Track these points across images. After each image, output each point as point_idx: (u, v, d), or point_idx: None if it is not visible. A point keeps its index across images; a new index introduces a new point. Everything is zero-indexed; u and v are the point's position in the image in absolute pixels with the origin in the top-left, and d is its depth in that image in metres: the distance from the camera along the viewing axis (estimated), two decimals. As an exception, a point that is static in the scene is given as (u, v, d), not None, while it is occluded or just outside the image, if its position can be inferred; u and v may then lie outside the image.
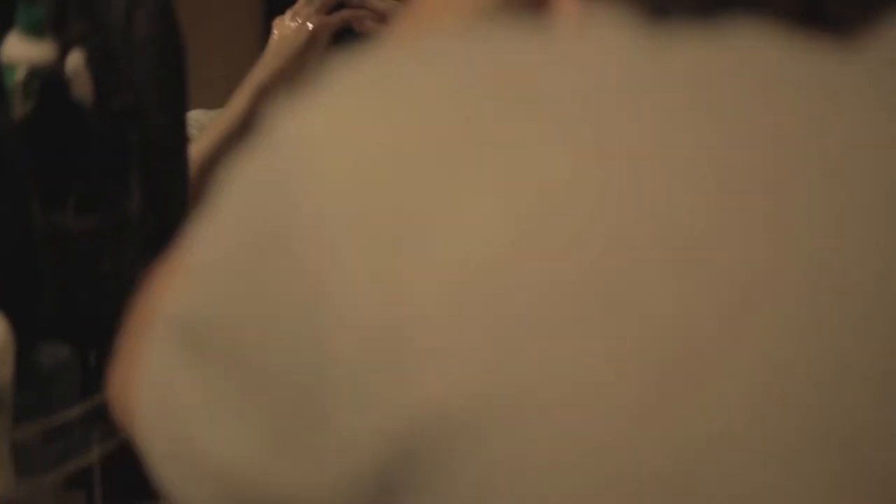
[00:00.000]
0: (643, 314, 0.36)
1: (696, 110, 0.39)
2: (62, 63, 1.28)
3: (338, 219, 0.42)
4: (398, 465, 0.40)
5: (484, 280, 0.39)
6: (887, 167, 0.38)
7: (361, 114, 0.44)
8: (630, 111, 0.39)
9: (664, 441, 0.36)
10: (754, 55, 0.41)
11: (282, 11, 1.87)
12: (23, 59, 1.20)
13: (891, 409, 0.37)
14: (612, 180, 0.38)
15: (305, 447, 0.43)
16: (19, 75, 1.19)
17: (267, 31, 1.85)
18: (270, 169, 0.47)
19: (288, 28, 1.78)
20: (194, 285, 0.51)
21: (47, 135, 1.20)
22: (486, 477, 0.38)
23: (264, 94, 1.78)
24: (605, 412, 0.37)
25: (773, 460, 0.35)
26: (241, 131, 1.79)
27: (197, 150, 1.70)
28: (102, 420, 1.30)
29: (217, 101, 1.92)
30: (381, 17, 1.75)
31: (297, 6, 1.84)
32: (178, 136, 1.36)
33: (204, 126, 1.87)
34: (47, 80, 1.23)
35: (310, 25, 1.79)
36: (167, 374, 0.50)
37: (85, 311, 1.22)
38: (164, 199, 1.25)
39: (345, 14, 1.80)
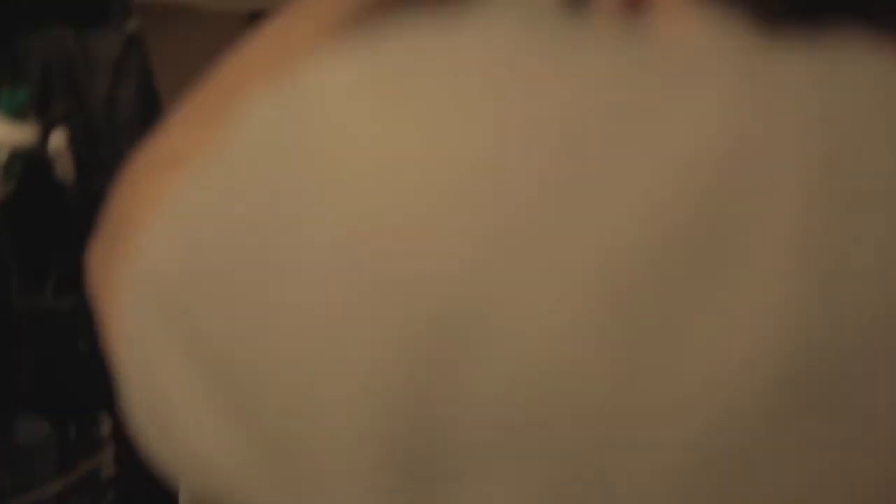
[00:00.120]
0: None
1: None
2: (45, 143, 1.30)
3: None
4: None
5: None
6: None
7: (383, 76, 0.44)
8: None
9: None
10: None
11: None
12: (5, 143, 1.22)
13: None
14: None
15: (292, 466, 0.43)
16: (1, 158, 1.21)
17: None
18: (286, 116, 0.46)
19: None
20: (182, 233, 0.48)
21: (28, 215, 1.22)
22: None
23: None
24: None
25: None
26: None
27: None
28: (81, 495, 1.31)
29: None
30: None
31: None
32: (160, 214, 1.38)
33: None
34: (29, 161, 1.25)
35: None
36: (146, 352, 0.48)
37: (64, 388, 1.24)
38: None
39: None
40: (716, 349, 0.38)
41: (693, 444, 0.38)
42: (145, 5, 1.39)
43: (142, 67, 1.39)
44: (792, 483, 0.37)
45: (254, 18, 1.26)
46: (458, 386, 0.39)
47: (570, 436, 0.38)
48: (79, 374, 1.23)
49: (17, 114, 1.23)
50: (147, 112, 1.40)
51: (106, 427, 1.30)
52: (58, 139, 1.33)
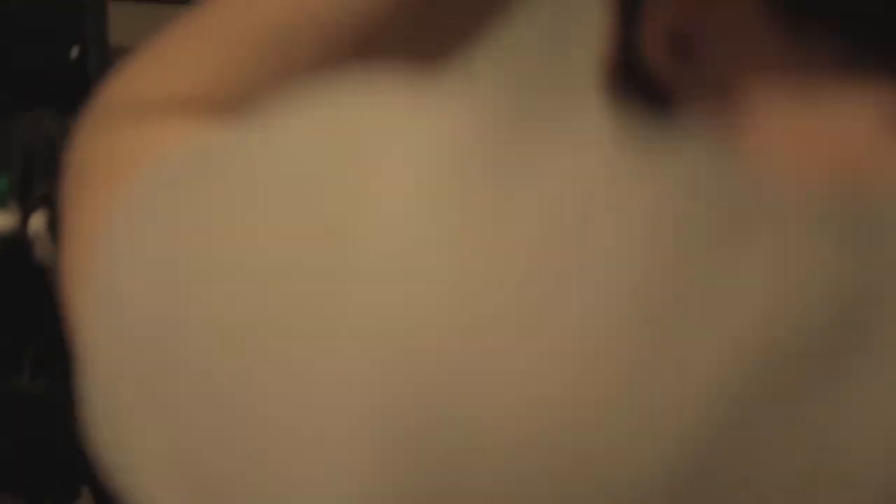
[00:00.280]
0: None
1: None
2: (25, 225, 1.32)
3: None
4: None
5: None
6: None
7: None
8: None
9: None
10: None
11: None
12: (-15, 228, 1.24)
13: None
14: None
15: None
16: (-19, 243, 1.23)
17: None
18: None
19: None
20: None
21: (6, 296, 1.23)
22: None
23: None
24: None
25: None
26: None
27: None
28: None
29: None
30: None
31: None
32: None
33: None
34: (9, 243, 1.27)
35: None
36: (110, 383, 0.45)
37: (41, 468, 1.25)
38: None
39: None
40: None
41: None
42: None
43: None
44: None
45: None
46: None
47: None
48: (56, 454, 1.24)
49: (-2, 200, 1.25)
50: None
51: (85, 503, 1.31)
52: (38, 221, 1.34)
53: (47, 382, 1.20)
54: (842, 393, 0.39)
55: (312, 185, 0.42)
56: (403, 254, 0.40)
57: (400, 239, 0.40)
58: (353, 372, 0.39)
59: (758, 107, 0.45)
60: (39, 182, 1.38)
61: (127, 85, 0.57)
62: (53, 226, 1.35)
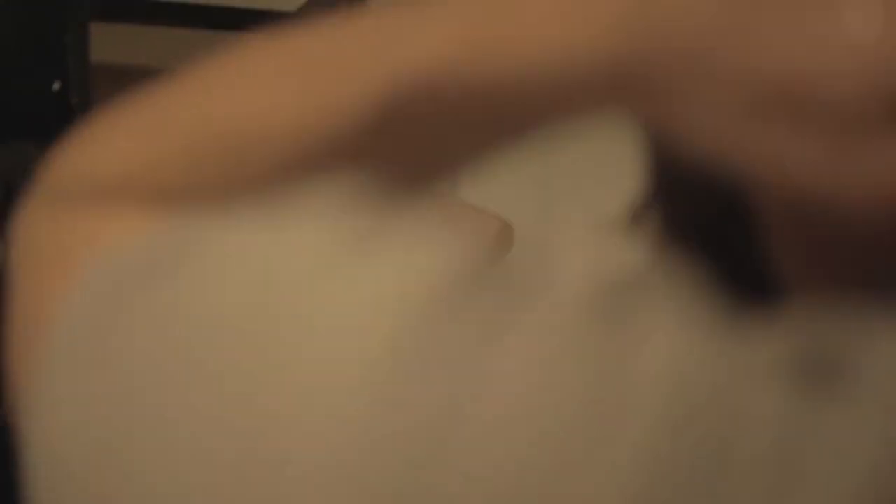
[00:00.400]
0: None
1: None
2: (6, 255, 1.31)
3: None
4: None
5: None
6: None
7: None
8: None
9: None
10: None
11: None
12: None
13: None
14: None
15: None
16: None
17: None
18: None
19: None
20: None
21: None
22: None
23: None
24: None
25: None
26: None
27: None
28: None
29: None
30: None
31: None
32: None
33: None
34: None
35: None
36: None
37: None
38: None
39: None
40: None
41: None
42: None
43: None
44: None
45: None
46: None
47: None
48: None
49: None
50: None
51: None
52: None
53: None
54: None
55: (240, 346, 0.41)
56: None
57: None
58: None
59: None
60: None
61: (75, 159, 0.55)
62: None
